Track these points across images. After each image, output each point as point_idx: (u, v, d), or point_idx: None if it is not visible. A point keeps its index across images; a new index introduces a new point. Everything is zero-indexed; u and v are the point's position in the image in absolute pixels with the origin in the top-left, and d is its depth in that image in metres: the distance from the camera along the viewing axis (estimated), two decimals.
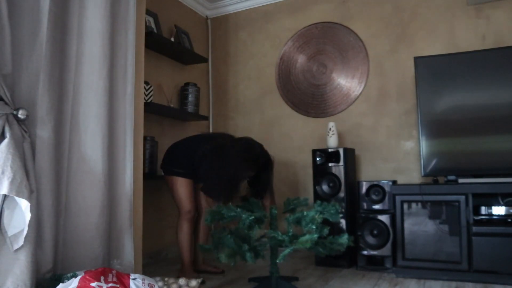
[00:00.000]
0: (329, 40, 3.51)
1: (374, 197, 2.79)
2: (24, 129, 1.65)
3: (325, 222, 2.15)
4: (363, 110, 3.35)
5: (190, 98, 3.47)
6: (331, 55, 3.49)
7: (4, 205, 1.55)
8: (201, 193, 2.63)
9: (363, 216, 2.71)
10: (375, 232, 2.66)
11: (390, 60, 3.28)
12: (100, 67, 1.92)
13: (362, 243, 2.68)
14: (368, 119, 3.33)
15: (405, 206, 2.57)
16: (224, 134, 2.74)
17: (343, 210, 2.80)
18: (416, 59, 2.79)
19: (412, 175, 3.13)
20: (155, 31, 3.17)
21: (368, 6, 3.39)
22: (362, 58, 3.37)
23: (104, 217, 1.89)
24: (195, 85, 3.52)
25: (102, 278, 1.52)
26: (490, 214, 2.47)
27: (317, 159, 2.96)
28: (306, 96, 3.57)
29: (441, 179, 2.74)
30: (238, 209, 2.17)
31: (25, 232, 1.51)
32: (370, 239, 2.67)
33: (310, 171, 3.17)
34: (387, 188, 2.75)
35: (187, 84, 3.49)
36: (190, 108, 3.48)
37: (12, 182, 1.46)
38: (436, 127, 2.71)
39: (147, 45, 2.85)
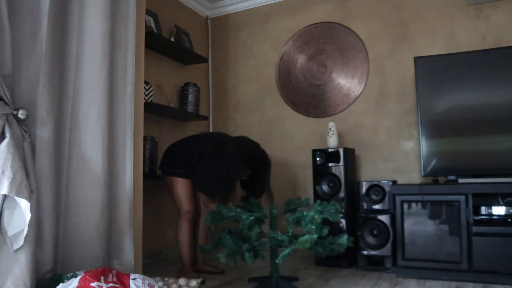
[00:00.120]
0: (329, 40, 3.51)
1: (374, 197, 2.79)
2: (24, 129, 1.65)
3: (325, 222, 2.14)
4: (363, 110, 3.35)
5: (190, 98, 3.47)
6: (331, 55, 3.49)
7: (4, 205, 1.55)
8: (200, 193, 2.63)
9: (363, 216, 2.71)
10: (375, 232, 2.66)
11: (390, 60, 3.28)
12: (100, 67, 1.92)
13: (362, 243, 2.68)
14: (368, 119, 3.33)
15: (405, 206, 2.57)
16: (221, 134, 2.74)
17: (343, 210, 2.80)
18: (416, 59, 2.79)
19: (412, 175, 3.13)
20: (155, 31, 3.17)
21: (368, 6, 3.39)
22: (362, 58, 3.37)
23: (104, 217, 1.88)
24: (195, 85, 3.52)
25: (102, 278, 1.52)
26: (490, 214, 2.47)
27: (317, 159, 2.96)
28: (306, 96, 3.57)
29: (441, 179, 2.74)
30: (238, 209, 2.17)
31: (25, 232, 1.51)
32: (370, 239, 2.67)
33: (310, 171, 3.17)
34: (387, 188, 2.75)
35: (187, 84, 3.49)
36: (190, 108, 3.48)
37: (12, 182, 1.46)
38: (436, 127, 2.71)
39: (147, 45, 2.85)
